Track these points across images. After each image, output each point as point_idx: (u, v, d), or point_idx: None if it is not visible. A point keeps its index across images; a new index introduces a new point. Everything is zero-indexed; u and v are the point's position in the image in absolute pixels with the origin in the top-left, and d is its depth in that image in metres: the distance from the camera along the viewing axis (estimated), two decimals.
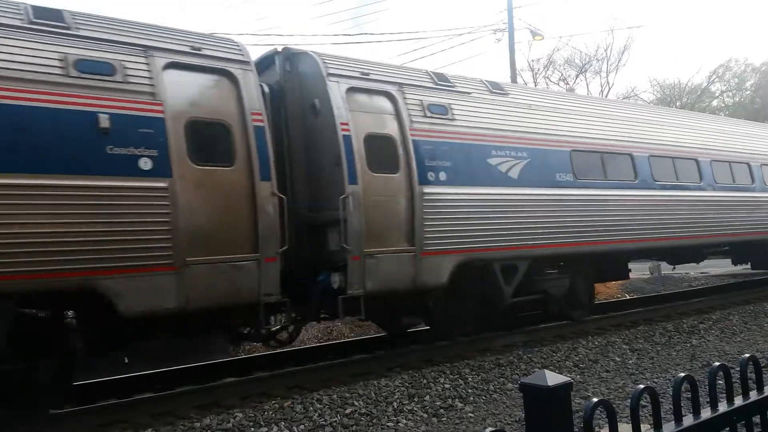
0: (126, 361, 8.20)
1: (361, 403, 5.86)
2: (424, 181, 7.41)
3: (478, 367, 7.07)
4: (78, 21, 5.88)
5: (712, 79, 42.69)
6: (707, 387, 1.99)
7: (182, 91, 6.12)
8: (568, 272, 9.20)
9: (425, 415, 5.66)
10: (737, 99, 45.27)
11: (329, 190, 6.96)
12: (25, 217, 5.11)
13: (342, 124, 6.94)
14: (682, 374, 1.92)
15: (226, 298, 6.04)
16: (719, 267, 18.38)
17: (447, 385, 6.41)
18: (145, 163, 5.70)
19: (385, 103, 7.50)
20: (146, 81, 5.91)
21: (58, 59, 5.54)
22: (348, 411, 5.66)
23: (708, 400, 1.97)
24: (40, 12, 5.72)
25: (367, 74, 7.49)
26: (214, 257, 5.96)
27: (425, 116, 7.69)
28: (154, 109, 5.85)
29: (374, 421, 5.50)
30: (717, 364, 2.03)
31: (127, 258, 5.51)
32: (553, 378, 1.71)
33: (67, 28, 5.77)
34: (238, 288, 6.09)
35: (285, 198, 6.47)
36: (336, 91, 7.05)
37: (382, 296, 7.18)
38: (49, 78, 5.42)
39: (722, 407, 1.96)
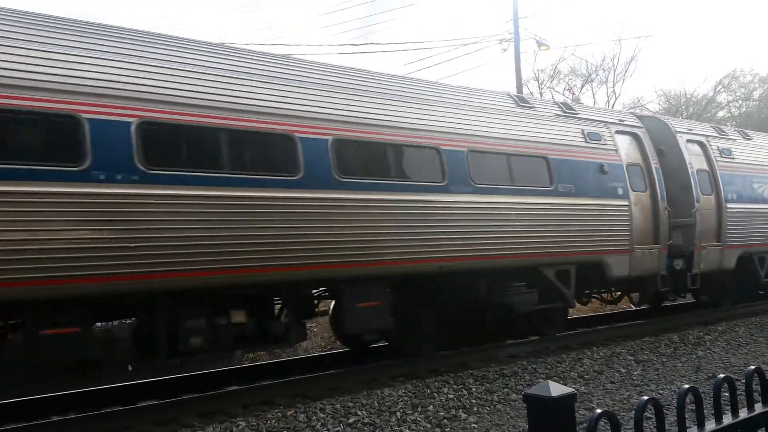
0: (130, 368, 8.20)
1: (365, 412, 5.84)
2: (726, 200, 11.11)
3: (482, 378, 7.04)
4: (575, 109, 9.83)
5: (718, 89, 42.63)
6: (712, 399, 1.98)
7: (622, 147, 9.83)
8: None
9: (429, 426, 5.64)
10: (743, 109, 45.18)
11: (674, 205, 10.29)
12: (555, 220, 8.49)
13: (689, 164, 10.74)
14: (687, 386, 1.91)
15: (644, 270, 9.66)
16: None
17: (451, 395, 6.39)
18: (620, 191, 9.38)
19: (699, 149, 11.24)
20: (611, 142, 9.69)
21: (580, 133, 9.33)
22: (351, 420, 5.65)
23: (713, 412, 1.96)
24: (564, 106, 9.80)
25: (691, 129, 11.56)
26: (641, 246, 9.60)
27: (721, 156, 11.48)
28: (618, 159, 9.65)
29: (377, 431, 5.49)
30: (721, 376, 2.03)
31: (614, 244, 9.18)
32: (557, 389, 1.71)
33: (576, 114, 9.65)
34: (650, 265, 9.73)
35: (671, 210, 10.07)
36: (682, 142, 10.85)
37: (706, 275, 10.79)
38: (577, 143, 9.16)
39: (727, 420, 1.95)
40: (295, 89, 6.71)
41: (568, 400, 1.70)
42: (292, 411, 5.87)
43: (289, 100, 6.55)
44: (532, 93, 31.11)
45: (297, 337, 6.80)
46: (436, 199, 7.30)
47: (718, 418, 1.93)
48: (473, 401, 6.28)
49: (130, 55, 5.82)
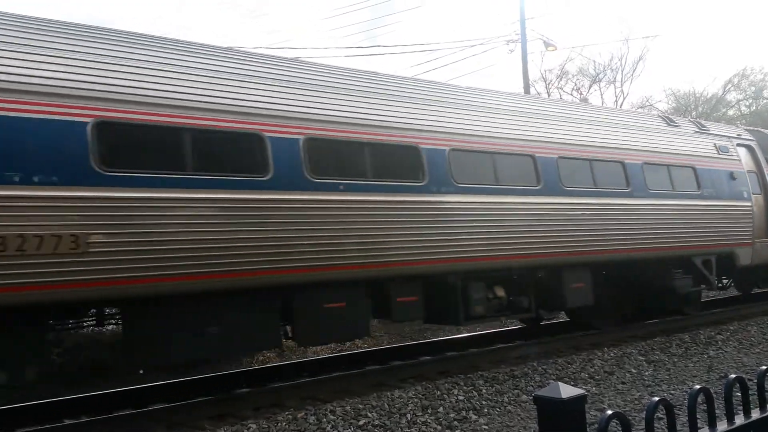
0: (141, 372, 8.25)
1: (375, 414, 5.84)
2: None
3: (493, 379, 7.03)
4: (707, 126, 11.66)
5: (727, 87, 42.31)
6: (724, 399, 1.97)
7: (742, 157, 11.64)
8: None
9: (439, 427, 5.63)
10: (753, 108, 44.80)
11: None
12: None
13: None
14: (698, 386, 1.91)
15: (762, 259, 11.39)
16: None
17: (461, 397, 6.38)
18: (744, 194, 11.12)
19: None
20: (735, 153, 11.46)
21: (713, 146, 11.10)
22: (361, 423, 5.65)
23: (725, 412, 1.95)
24: (698, 124, 11.64)
25: None
26: (759, 239, 11.31)
27: None
28: (741, 167, 11.40)
29: None
30: (733, 376, 2.02)
31: (741, 238, 10.95)
32: (567, 390, 1.71)
33: (708, 130, 11.42)
34: (766, 255, 11.42)
35: None
36: None
37: None
38: (713, 155, 10.95)
39: (739, 420, 1.94)
40: (495, 116, 8.38)
41: (579, 401, 1.70)
42: (303, 413, 5.88)
43: (489, 125, 8.21)
44: (539, 93, 31.02)
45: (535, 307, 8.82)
46: (624, 203, 9.29)
47: (730, 419, 1.92)
48: (483, 403, 6.27)
49: (415, 99, 7.75)
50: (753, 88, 44.69)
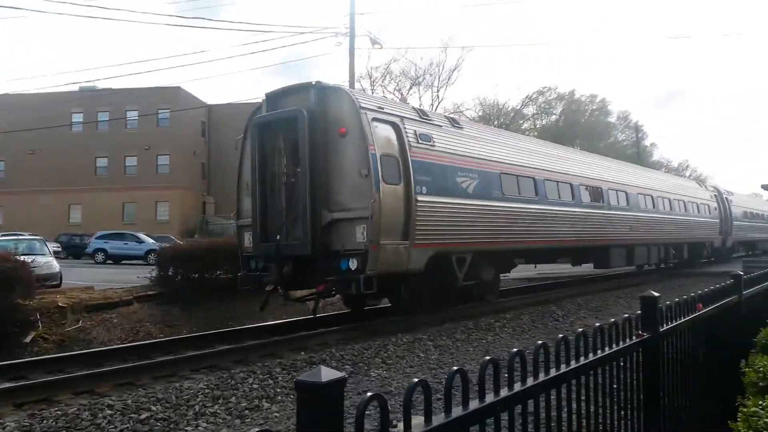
0: None
1: (159, 407, 5.48)
2: None
3: (290, 366, 7.02)
4: None
5: (525, 102, 47.53)
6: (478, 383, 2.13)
7: None
8: None
9: (228, 417, 5.46)
10: (544, 122, 50.99)
11: None
12: None
13: None
14: (455, 368, 2.03)
15: None
16: (518, 272, 20.30)
17: (255, 386, 6.27)
18: None
19: None
20: None
21: None
22: (143, 417, 5.27)
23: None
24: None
25: None
26: None
27: None
28: None
29: (171, 426, 5.18)
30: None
31: None
32: (327, 374, 1.69)
33: None
34: None
35: None
36: None
37: None
38: None
39: (489, 398, 2.11)
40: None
41: (339, 384, 1.68)
42: (75, 408, 5.31)
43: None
44: (363, 89, 31.84)
45: None
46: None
47: (482, 398, 2.08)
48: (278, 390, 6.23)
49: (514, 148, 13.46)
50: (546, 106, 50.76)
